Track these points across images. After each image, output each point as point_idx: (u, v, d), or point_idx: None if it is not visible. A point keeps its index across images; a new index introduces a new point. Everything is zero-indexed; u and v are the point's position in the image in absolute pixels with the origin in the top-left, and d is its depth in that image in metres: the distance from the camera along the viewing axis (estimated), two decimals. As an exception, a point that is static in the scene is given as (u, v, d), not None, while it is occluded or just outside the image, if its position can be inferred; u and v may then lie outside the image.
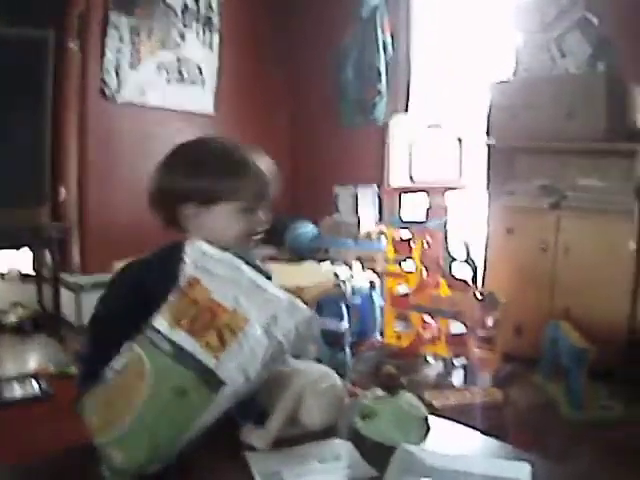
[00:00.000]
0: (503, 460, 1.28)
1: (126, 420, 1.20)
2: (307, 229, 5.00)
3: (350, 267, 4.33)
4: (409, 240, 3.94)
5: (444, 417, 1.54)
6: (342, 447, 1.35)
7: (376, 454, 1.28)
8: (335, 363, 3.58)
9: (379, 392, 1.46)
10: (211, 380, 1.22)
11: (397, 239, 3.99)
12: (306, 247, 4.82)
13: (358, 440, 1.36)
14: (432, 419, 1.43)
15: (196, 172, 1.55)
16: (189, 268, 1.35)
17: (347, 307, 4.00)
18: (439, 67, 5.12)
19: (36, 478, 1.28)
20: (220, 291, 1.30)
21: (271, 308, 1.29)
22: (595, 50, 3.97)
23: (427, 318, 3.97)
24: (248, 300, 1.29)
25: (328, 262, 4.31)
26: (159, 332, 1.28)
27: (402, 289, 3.99)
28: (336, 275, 3.98)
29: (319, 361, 3.32)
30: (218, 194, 1.54)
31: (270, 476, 1.23)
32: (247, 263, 1.43)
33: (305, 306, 1.32)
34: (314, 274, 3.34)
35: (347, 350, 3.84)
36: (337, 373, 3.26)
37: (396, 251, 3.99)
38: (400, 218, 4.49)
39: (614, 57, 3.99)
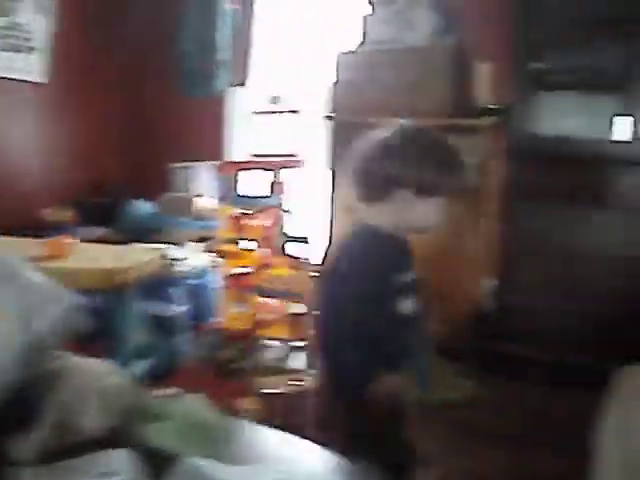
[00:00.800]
0: (306, 470, 1.10)
1: None
2: (144, 208, 4.71)
3: (187, 247, 4.10)
4: (248, 218, 3.73)
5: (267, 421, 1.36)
6: (122, 457, 1.11)
7: (162, 465, 1.06)
8: (168, 350, 3.35)
9: (172, 391, 1.25)
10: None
11: (235, 217, 3.75)
12: (142, 227, 4.53)
13: (142, 449, 1.14)
14: (237, 425, 1.24)
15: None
16: None
17: (183, 289, 3.77)
18: (282, 38, 4.94)
19: None
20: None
21: (29, 298, 1.05)
22: (442, 24, 3.87)
23: (267, 299, 3.78)
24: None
25: (163, 242, 4.05)
26: None
27: (241, 269, 3.77)
28: (168, 255, 3.74)
29: (150, 348, 3.11)
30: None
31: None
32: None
33: (70, 294, 1.10)
34: (140, 254, 3.08)
35: (182, 336, 3.61)
36: (171, 360, 3.04)
37: (234, 229, 3.77)
38: (239, 195, 4.26)
39: (461, 31, 3.91)
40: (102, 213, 4.78)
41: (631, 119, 3.31)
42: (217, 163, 4.21)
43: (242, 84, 4.91)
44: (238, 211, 3.74)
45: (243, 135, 4.12)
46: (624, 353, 2.30)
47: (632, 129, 3.27)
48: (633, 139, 3.26)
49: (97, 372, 1.23)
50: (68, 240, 3.00)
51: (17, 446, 1.10)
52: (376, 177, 1.68)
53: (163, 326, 3.36)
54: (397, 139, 1.70)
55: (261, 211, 3.70)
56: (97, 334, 2.98)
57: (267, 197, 3.74)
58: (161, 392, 1.25)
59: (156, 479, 1.03)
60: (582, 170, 3.30)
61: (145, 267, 2.99)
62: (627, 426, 1.74)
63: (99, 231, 4.48)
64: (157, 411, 1.18)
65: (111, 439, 1.17)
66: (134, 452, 1.12)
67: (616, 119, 3.54)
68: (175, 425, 1.14)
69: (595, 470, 1.81)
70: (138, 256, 2.98)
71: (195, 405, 1.18)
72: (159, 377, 3.07)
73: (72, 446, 1.13)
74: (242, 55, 5.02)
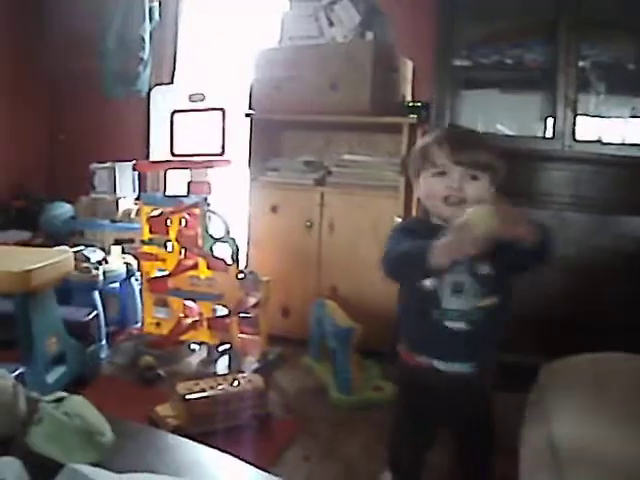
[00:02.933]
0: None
1: None
2: (63, 210, 4.57)
3: (107, 250, 3.99)
4: (169, 218, 3.63)
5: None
6: (8, 466, 1.04)
7: (45, 472, 0.99)
8: (85, 356, 3.24)
9: (60, 394, 1.17)
10: None
11: (156, 217, 3.64)
12: (61, 230, 4.40)
13: (27, 454, 1.07)
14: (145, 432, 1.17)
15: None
16: None
17: (100, 294, 3.66)
18: (206, 35, 4.86)
19: None
20: None
21: None
22: (364, 19, 3.82)
23: (188, 302, 3.69)
24: None
25: (84, 245, 3.94)
26: None
27: (162, 272, 3.67)
28: (87, 259, 3.63)
29: (65, 355, 3.00)
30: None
31: None
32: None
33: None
34: (54, 257, 2.95)
35: (100, 342, 3.51)
36: (87, 367, 2.93)
37: (155, 230, 3.66)
38: (160, 195, 4.17)
39: (384, 27, 3.88)
40: (23, 217, 4.66)
41: (551, 119, 3.33)
42: (138, 163, 4.10)
43: (167, 82, 4.82)
44: (159, 211, 3.65)
45: (165, 134, 4.02)
46: (549, 350, 2.29)
47: (552, 127, 3.29)
48: (554, 137, 3.27)
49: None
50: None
51: None
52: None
53: (80, 332, 3.24)
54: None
55: (181, 211, 3.61)
56: (14, 341, 2.89)
57: (190, 197, 3.64)
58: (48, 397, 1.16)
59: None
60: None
61: (59, 270, 2.87)
62: (546, 415, 1.74)
63: (20, 235, 4.35)
64: (40, 415, 1.10)
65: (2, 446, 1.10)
66: (19, 459, 1.05)
67: (538, 117, 3.58)
68: (54, 429, 1.06)
69: (523, 462, 1.77)
70: (52, 258, 2.86)
71: (77, 408, 1.11)
72: (76, 384, 2.98)
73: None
74: (167, 53, 4.93)
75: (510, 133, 3.60)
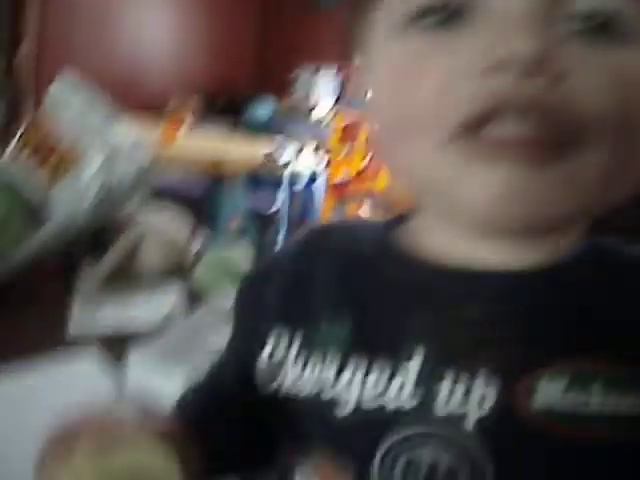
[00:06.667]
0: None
1: None
2: (265, 109, 4.84)
3: (299, 151, 4.22)
4: (362, 124, 3.77)
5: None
6: (172, 288, 1.29)
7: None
8: (262, 244, 3.52)
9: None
10: (35, 214, 1.18)
11: (347, 123, 3.79)
12: (261, 127, 4.67)
13: (190, 282, 1.32)
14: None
15: None
16: (48, 100, 1.29)
17: (287, 190, 3.91)
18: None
19: None
20: (66, 126, 1.23)
21: (112, 149, 1.22)
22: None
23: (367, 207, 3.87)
24: (92, 139, 1.22)
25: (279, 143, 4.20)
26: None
27: (346, 177, 3.86)
28: (279, 156, 3.87)
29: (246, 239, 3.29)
30: None
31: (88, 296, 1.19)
32: None
33: (149, 152, 1.26)
34: (250, 150, 3.21)
35: (278, 233, 3.76)
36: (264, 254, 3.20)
37: (343, 136, 3.83)
38: (357, 101, 4.33)
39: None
40: (228, 111, 4.93)
41: None
42: (341, 67, 4.23)
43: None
44: (353, 117, 3.77)
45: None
46: None
47: None
48: None
49: (163, 220, 1.40)
50: (182, 128, 3.15)
51: (86, 274, 1.28)
52: None
53: (261, 222, 3.51)
54: None
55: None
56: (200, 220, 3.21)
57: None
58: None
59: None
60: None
61: (247, 161, 3.11)
62: None
63: (222, 125, 4.64)
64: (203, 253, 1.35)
65: (166, 275, 1.34)
66: (183, 285, 1.29)
67: None
68: (211, 261, 1.30)
69: None
70: (248, 151, 3.11)
71: (234, 252, 1.34)
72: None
73: (132, 280, 1.31)
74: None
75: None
